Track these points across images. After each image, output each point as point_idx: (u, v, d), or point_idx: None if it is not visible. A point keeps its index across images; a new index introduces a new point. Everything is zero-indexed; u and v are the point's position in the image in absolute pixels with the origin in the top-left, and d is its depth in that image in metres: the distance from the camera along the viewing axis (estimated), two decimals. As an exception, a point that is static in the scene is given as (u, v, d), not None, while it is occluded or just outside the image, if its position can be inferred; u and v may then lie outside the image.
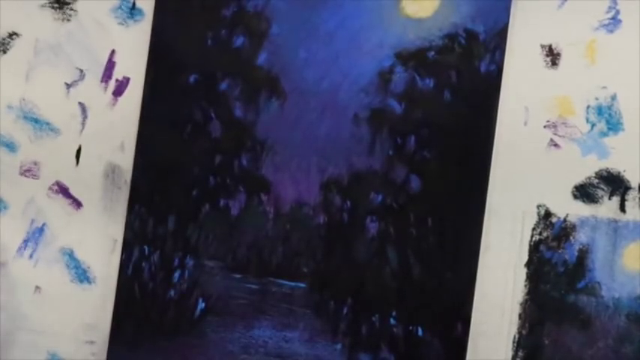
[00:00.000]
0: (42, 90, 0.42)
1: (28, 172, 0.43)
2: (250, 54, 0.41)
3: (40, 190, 0.43)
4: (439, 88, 0.41)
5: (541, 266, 0.41)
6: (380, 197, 0.41)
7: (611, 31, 0.40)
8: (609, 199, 0.40)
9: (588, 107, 0.40)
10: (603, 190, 0.40)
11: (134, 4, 0.42)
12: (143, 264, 0.41)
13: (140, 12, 0.42)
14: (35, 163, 0.42)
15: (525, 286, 0.41)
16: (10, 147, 0.42)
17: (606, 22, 0.40)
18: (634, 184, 0.40)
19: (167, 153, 0.41)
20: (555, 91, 0.41)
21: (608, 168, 0.40)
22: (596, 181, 0.40)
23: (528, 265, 0.41)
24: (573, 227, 0.40)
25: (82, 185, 0.42)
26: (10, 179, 0.42)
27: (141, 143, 0.42)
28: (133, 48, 0.42)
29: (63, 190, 0.42)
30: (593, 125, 0.40)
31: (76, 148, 0.42)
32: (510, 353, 0.41)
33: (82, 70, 0.42)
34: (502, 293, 0.41)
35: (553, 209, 0.41)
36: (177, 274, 0.41)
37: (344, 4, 0.41)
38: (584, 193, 0.40)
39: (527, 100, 0.41)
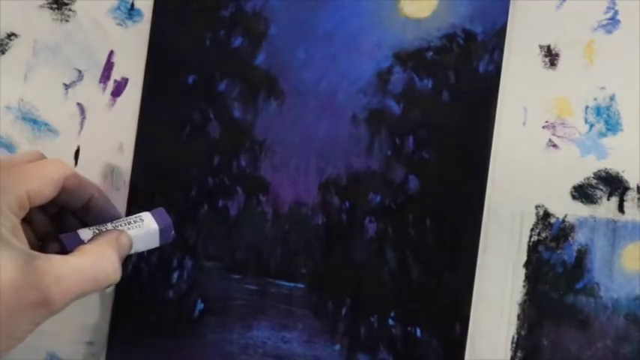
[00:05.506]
0: (40, 91, 0.42)
1: (27, 172, 0.43)
2: (249, 54, 0.41)
3: (39, 190, 0.43)
4: (437, 88, 0.41)
5: (540, 267, 0.41)
6: (378, 198, 0.41)
7: (610, 32, 0.40)
8: (608, 199, 0.40)
9: (587, 108, 0.41)
10: (602, 190, 0.40)
11: (133, 4, 0.42)
12: (142, 265, 0.41)
13: (139, 13, 0.42)
14: (34, 164, 0.42)
15: (524, 286, 0.41)
16: (9, 148, 0.42)
17: (605, 22, 0.40)
18: (633, 184, 0.40)
19: (166, 154, 0.41)
20: (554, 91, 0.41)
21: (606, 168, 0.40)
22: (595, 181, 0.40)
23: (527, 265, 0.41)
24: (572, 228, 0.40)
25: (80, 186, 0.42)
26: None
27: (140, 144, 0.42)
28: (131, 49, 0.42)
29: (62, 191, 0.42)
30: (591, 126, 0.40)
31: (75, 149, 0.42)
32: (509, 354, 0.41)
33: (80, 71, 0.42)
34: (501, 294, 0.41)
35: (552, 210, 0.41)
36: (176, 275, 0.41)
37: (342, 5, 0.41)
38: (582, 193, 0.40)
39: (526, 100, 0.41)
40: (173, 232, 0.39)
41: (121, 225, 0.37)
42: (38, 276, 0.31)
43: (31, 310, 0.31)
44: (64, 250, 0.35)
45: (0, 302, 0.30)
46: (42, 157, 0.37)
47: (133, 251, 0.37)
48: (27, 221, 0.36)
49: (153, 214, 0.38)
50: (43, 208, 0.35)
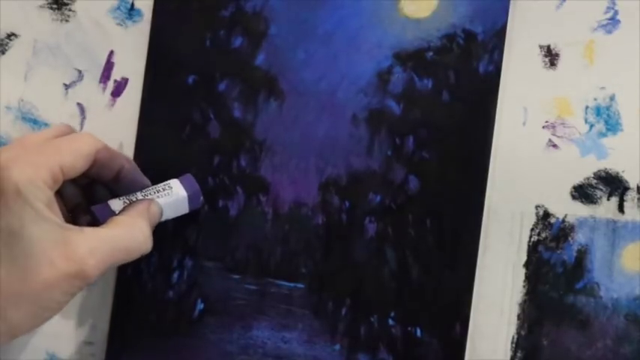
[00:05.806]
0: (40, 91, 0.42)
1: (27, 172, 0.43)
2: (249, 54, 0.41)
3: (39, 190, 0.43)
4: (437, 88, 0.41)
5: (540, 267, 0.41)
6: (378, 198, 0.41)
7: (610, 32, 0.40)
8: (608, 199, 0.40)
9: (587, 108, 0.41)
10: (602, 190, 0.40)
11: (133, 4, 0.42)
12: (142, 265, 0.41)
13: (139, 13, 0.42)
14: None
15: (524, 286, 0.41)
16: (9, 148, 0.42)
17: (605, 22, 0.40)
18: (632, 184, 0.40)
19: (166, 154, 0.41)
20: (554, 91, 0.41)
21: (606, 168, 0.40)
22: (595, 181, 0.40)
23: (527, 265, 0.41)
24: (572, 228, 0.40)
25: (80, 186, 0.42)
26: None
27: (140, 144, 0.42)
28: (131, 49, 0.42)
29: (62, 191, 0.42)
30: (591, 126, 0.40)
31: (75, 148, 0.42)
32: (509, 354, 0.41)
33: (80, 71, 0.42)
34: (501, 294, 0.41)
35: (552, 210, 0.41)
36: (176, 275, 0.41)
37: (342, 5, 0.41)
38: (582, 193, 0.40)
39: (526, 100, 0.41)
40: (202, 197, 0.39)
41: (150, 194, 0.37)
42: (73, 248, 0.32)
43: (66, 282, 0.32)
44: (95, 221, 0.36)
45: (36, 275, 0.31)
46: (72, 130, 0.37)
47: (163, 219, 0.38)
48: (58, 193, 0.36)
49: (181, 181, 0.38)
50: (74, 180, 0.36)
